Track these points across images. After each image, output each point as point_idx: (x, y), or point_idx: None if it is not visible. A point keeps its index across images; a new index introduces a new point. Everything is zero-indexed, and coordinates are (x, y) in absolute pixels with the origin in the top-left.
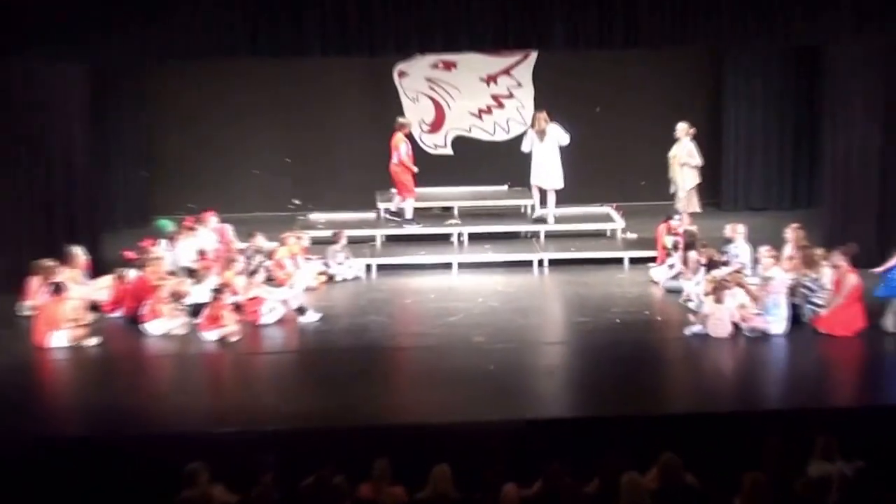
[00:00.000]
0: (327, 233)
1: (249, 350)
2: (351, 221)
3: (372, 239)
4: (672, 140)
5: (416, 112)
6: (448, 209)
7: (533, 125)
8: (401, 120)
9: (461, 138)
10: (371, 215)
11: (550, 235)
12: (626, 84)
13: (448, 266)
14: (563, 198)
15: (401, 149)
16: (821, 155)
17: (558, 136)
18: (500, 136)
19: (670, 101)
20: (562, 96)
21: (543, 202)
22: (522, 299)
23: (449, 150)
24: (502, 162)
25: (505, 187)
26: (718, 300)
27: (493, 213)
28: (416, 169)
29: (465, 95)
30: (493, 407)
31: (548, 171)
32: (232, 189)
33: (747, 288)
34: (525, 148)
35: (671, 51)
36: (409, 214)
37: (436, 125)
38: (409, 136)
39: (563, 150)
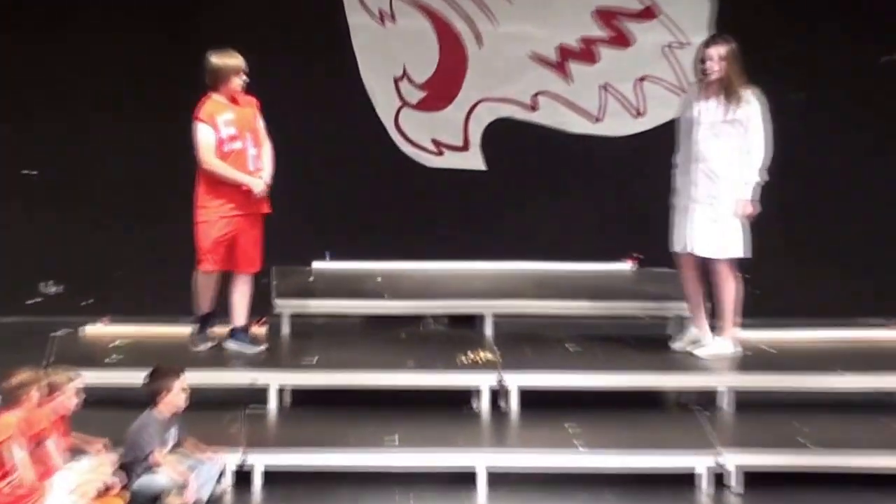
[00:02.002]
0: (136, 377)
1: None
2: (184, 340)
3: (258, 397)
4: None
5: (386, 57)
6: (466, 321)
7: (707, 84)
8: (227, 62)
9: (509, 125)
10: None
11: (749, 404)
12: None
13: (467, 480)
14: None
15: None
16: None
17: (756, 120)
18: (621, 126)
19: None
20: (783, 26)
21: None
22: None
23: (477, 160)
24: (623, 193)
25: (626, 265)
26: None
27: (587, 337)
28: (246, 180)
29: (520, 13)
30: None
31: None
32: None
33: None
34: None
35: None
36: (238, 321)
37: (441, 87)
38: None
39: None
